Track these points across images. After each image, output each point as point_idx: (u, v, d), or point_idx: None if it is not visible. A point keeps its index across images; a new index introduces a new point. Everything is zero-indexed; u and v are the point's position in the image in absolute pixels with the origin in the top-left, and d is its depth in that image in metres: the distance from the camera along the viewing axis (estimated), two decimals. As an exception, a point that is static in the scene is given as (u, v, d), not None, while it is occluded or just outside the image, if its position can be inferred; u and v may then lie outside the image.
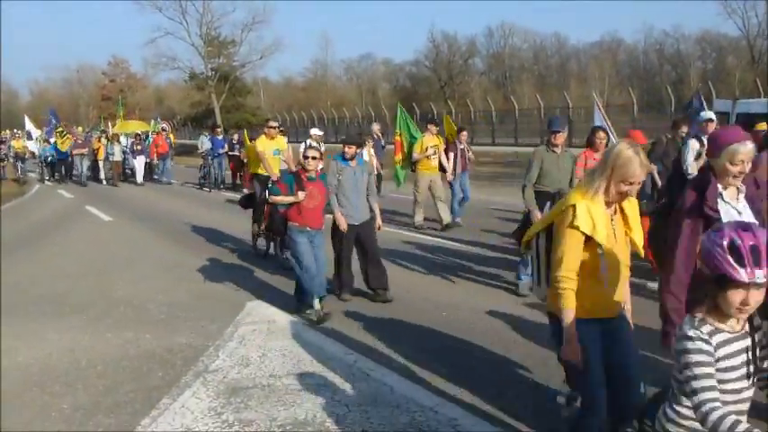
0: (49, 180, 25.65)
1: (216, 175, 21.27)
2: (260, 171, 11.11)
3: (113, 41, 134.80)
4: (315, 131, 15.44)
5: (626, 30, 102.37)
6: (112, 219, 15.51)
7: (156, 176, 24.82)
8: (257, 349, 5.85)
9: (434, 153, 12.23)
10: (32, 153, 27.57)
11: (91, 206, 17.74)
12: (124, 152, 24.86)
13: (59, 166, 25.54)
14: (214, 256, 10.38)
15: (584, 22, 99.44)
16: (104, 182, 24.28)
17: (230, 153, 21.04)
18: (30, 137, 28.72)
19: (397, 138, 13.49)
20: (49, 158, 25.47)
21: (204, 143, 21.49)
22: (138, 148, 24.00)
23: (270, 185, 8.65)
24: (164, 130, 26.24)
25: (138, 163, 23.98)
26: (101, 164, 24.59)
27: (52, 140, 24.98)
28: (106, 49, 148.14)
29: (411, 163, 12.70)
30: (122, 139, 25.48)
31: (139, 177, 23.77)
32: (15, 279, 9.29)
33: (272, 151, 10.92)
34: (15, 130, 50.98)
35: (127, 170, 25.31)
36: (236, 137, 21.56)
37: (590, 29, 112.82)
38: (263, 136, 11.08)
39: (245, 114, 62.11)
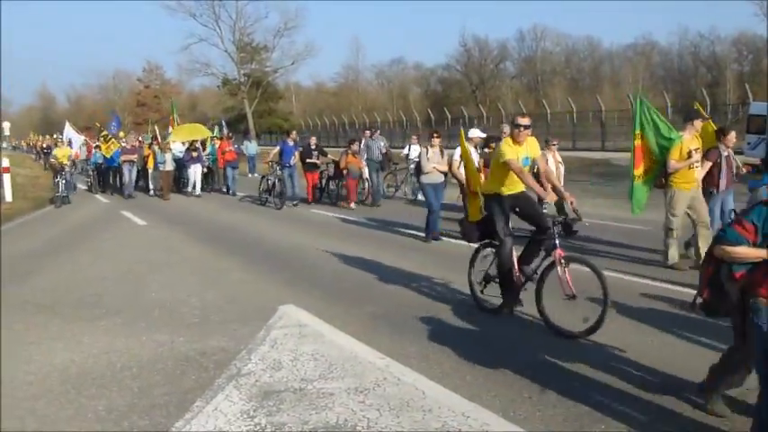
0: (97, 191, 23.89)
1: (285, 188, 18.11)
2: (503, 190, 7.01)
3: (148, 48, 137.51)
4: (476, 133, 12.07)
5: (660, 32, 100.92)
6: (147, 223, 15.88)
7: (216, 186, 23.25)
8: (289, 353, 5.87)
9: (697, 161, 9.04)
10: (72, 162, 23.85)
11: (126, 211, 18.16)
12: (176, 160, 22.28)
13: (108, 175, 23.80)
14: (248, 261, 10.47)
15: (617, 25, 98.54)
16: (152, 192, 22.55)
17: (308, 161, 18.54)
18: (71, 144, 25.37)
19: (638, 141, 9.48)
20: (102, 166, 23.77)
21: (274, 150, 19.02)
22: (195, 155, 21.92)
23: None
24: (229, 137, 24.09)
25: (194, 172, 21.97)
26: (150, 173, 22.66)
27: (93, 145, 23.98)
28: (141, 55, 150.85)
29: (659, 177, 9.32)
30: (176, 145, 23.04)
31: (197, 188, 21.85)
32: (53, 282, 9.46)
33: (523, 160, 6.97)
34: (56, 136, 51.67)
35: (182, 179, 23.14)
36: (313, 141, 18.91)
37: (623, 31, 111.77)
38: (508, 139, 7.03)
39: (277, 119, 63.17)
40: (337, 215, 16.02)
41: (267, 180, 18.98)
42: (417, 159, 16.61)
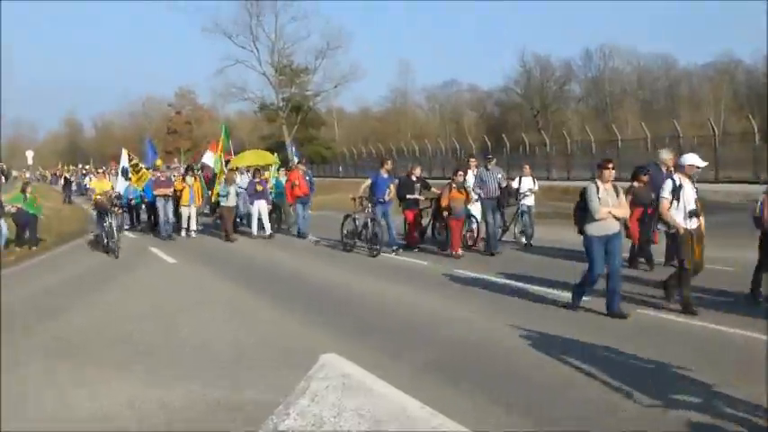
0: (129, 230, 22.84)
1: (381, 230, 15.91)
2: None
3: (181, 72, 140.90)
4: (692, 159, 9.73)
5: (743, 49, 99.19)
6: (177, 261, 16.14)
7: (283, 227, 21.79)
8: (331, 408, 5.81)
9: None
10: (115, 197, 20.85)
11: (161, 251, 18.41)
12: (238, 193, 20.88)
13: (139, 212, 22.91)
14: (289, 304, 10.56)
15: (694, 42, 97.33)
16: (185, 233, 21.03)
17: (408, 197, 16.41)
18: (126, 175, 23.10)
19: None
20: (133, 201, 22.95)
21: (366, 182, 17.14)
22: (260, 188, 20.26)
23: None
24: (303, 163, 22.09)
25: (259, 209, 20.34)
26: (183, 211, 20.96)
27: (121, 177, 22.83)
28: (173, 81, 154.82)
29: None
30: (241, 177, 21.73)
31: (267, 227, 20.29)
32: (83, 321, 9.76)
33: None
34: (82, 166, 52.83)
35: (237, 218, 21.85)
36: (416, 172, 16.52)
37: (701, 48, 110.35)
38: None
39: (319, 147, 63.57)
40: (443, 265, 13.98)
41: (354, 220, 16.78)
42: (527, 193, 16.52)
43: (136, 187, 22.44)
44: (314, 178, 21.94)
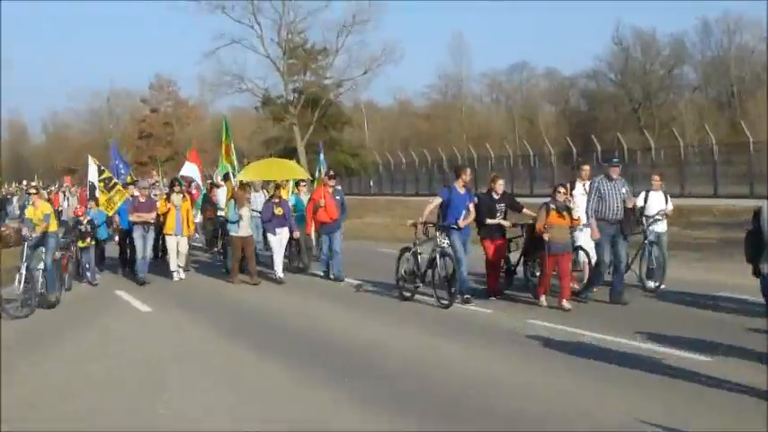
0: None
1: (460, 269, 15.21)
2: None
3: (157, 56, 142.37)
4: None
5: None
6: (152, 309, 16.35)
7: (304, 263, 21.52)
8: None
9: None
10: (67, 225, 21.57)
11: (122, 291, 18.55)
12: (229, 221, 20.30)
13: (105, 244, 22.48)
14: (305, 368, 10.68)
15: None
16: (175, 275, 20.70)
17: (488, 222, 15.79)
18: (92, 194, 22.45)
19: None
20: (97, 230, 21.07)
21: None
22: (280, 212, 19.69)
23: None
24: (330, 178, 20.92)
25: (280, 240, 19.99)
26: (170, 242, 20.73)
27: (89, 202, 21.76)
28: (147, 67, 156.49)
29: None
30: (255, 196, 21.60)
31: (279, 268, 19.93)
32: (27, 392, 9.77)
33: None
34: (27, 183, 53.34)
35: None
36: (498, 185, 15.94)
37: None
38: None
39: (342, 155, 62.12)
40: (545, 320, 13.36)
41: (416, 256, 16.00)
42: (658, 216, 15.96)
43: (101, 211, 21.32)
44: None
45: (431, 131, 76.73)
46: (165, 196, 21.36)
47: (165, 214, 20.51)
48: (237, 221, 19.35)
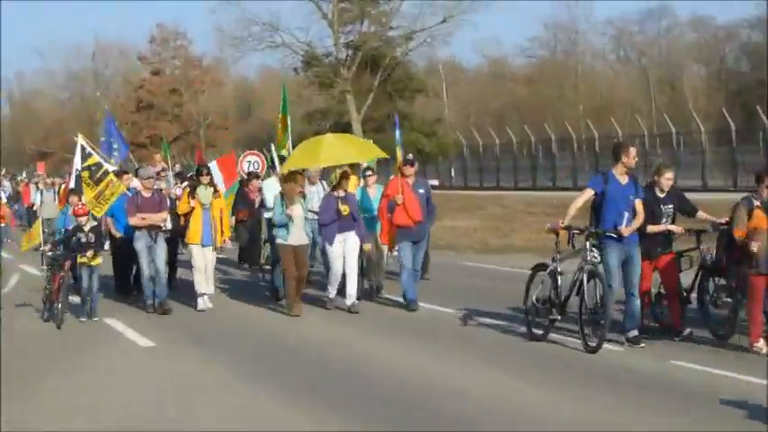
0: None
1: (607, 295, 14.47)
2: None
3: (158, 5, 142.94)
4: None
5: None
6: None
7: (373, 283, 21.17)
8: None
9: None
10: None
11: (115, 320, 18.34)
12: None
13: (112, 257, 21.81)
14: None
15: None
16: (201, 302, 20.14)
17: (648, 230, 15.10)
18: (76, 187, 22.67)
19: None
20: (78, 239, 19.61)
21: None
22: (346, 211, 18.90)
23: None
24: (411, 163, 20.62)
25: (352, 249, 19.36)
26: (195, 256, 20.05)
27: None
28: (146, 14, 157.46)
29: None
30: (310, 190, 20.79)
31: (353, 293, 19.36)
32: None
33: None
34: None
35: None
36: (668, 178, 15.38)
37: None
38: None
39: (413, 133, 62.09)
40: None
41: (555, 276, 15.42)
42: None
43: (92, 211, 20.29)
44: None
45: (534, 101, 76.61)
46: (187, 190, 20.60)
47: (186, 215, 19.86)
48: (287, 225, 18.74)
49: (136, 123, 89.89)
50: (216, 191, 20.33)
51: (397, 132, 23.24)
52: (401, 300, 19.35)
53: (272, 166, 23.07)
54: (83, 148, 21.79)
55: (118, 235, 20.99)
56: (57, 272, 18.33)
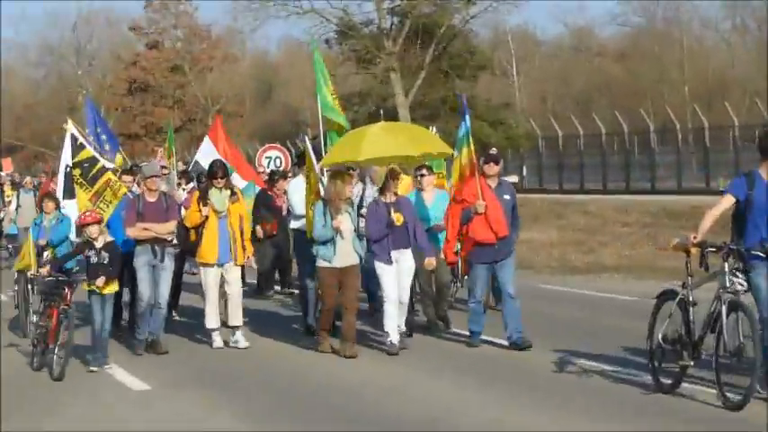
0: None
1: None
2: None
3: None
4: None
5: None
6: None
7: (417, 313, 20.98)
8: None
9: None
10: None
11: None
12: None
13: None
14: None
15: None
16: (216, 337, 19.98)
17: None
18: (68, 188, 22.80)
19: None
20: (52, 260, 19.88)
21: None
22: (399, 221, 18.40)
23: None
24: (496, 160, 19.90)
25: (398, 273, 18.87)
26: (209, 279, 19.86)
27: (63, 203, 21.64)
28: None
29: None
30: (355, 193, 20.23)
31: (392, 324, 18.76)
32: None
33: None
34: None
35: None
36: None
37: None
38: None
39: (475, 121, 61.40)
40: None
41: (685, 305, 14.88)
42: None
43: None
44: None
45: (628, 81, 76.87)
46: (197, 193, 20.39)
47: (195, 227, 19.64)
48: (331, 240, 18.21)
49: (128, 110, 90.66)
50: (234, 193, 19.70)
51: (467, 118, 21.03)
52: (472, 334, 19.01)
53: (297, 163, 23.00)
54: (74, 139, 21.57)
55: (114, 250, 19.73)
56: (54, 304, 17.29)
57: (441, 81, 65.42)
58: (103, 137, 27.27)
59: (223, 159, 22.39)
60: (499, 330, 18.54)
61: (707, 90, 69.21)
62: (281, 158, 33.01)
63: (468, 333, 19.05)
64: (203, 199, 19.26)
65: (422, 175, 20.77)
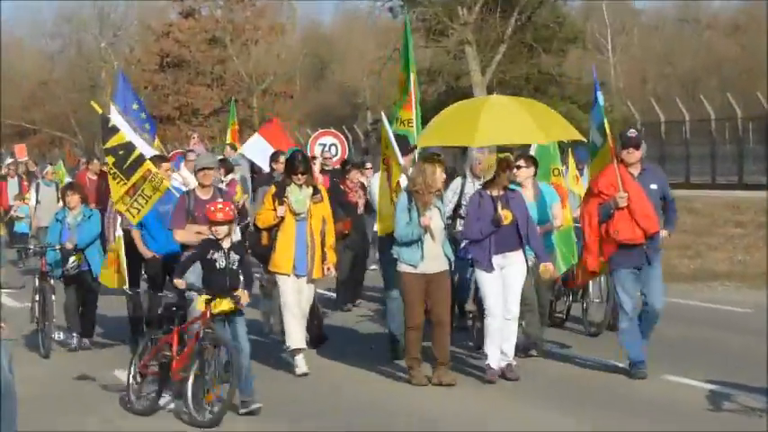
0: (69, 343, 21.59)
1: None
2: None
3: None
4: None
5: None
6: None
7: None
8: None
9: None
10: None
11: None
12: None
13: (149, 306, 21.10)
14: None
15: None
16: (300, 362, 18.93)
17: None
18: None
19: None
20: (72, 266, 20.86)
21: None
22: (508, 218, 18.14)
23: None
24: (636, 143, 19.87)
25: (502, 282, 18.61)
26: (286, 290, 18.99)
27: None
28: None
29: None
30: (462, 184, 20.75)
31: (492, 348, 18.35)
32: None
33: None
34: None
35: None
36: None
37: None
38: None
39: (565, 104, 62.52)
40: None
41: None
42: None
43: (126, 215, 20.16)
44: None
45: (743, 59, 73.67)
46: (272, 190, 19.39)
47: (269, 229, 18.98)
48: (418, 241, 17.38)
49: (159, 88, 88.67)
50: (317, 191, 18.74)
51: (599, 96, 19.75)
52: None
53: (366, 149, 23.20)
54: (104, 120, 20.45)
55: (149, 256, 19.85)
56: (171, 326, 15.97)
57: (523, 56, 63.93)
58: (142, 114, 25.76)
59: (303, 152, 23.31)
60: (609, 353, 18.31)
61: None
62: (336, 146, 32.39)
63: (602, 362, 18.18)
64: (279, 197, 18.42)
65: (518, 167, 19.29)
